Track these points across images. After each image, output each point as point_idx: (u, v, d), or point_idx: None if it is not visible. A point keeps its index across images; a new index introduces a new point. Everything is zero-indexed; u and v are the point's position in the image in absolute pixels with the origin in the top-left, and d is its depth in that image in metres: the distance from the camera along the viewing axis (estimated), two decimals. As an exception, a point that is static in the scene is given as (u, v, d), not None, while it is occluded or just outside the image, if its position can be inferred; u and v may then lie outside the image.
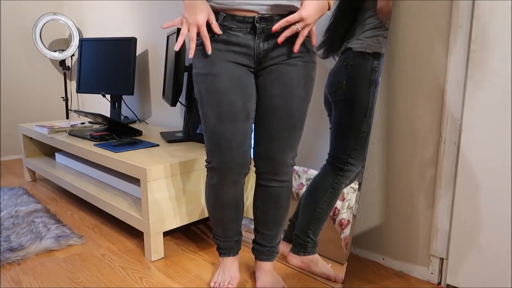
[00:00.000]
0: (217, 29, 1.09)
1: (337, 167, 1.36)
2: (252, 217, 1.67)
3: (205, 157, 1.48)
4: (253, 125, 1.22)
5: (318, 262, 1.40)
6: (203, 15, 1.07)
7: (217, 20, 1.10)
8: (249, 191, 1.71)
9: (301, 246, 1.44)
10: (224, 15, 1.10)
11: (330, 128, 1.43)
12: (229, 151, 1.14)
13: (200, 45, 1.14)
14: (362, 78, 1.32)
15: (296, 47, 1.08)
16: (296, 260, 1.45)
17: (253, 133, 1.22)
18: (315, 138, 1.49)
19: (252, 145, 1.23)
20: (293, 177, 1.51)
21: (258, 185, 1.27)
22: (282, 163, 1.20)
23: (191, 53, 1.10)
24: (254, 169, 1.26)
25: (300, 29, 1.05)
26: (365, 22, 1.34)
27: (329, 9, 1.09)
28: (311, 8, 1.04)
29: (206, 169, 1.26)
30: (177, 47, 1.10)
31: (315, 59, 1.18)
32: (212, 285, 1.33)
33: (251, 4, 1.07)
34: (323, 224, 1.40)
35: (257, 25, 1.09)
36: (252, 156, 1.23)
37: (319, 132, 1.48)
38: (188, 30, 1.09)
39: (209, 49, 1.10)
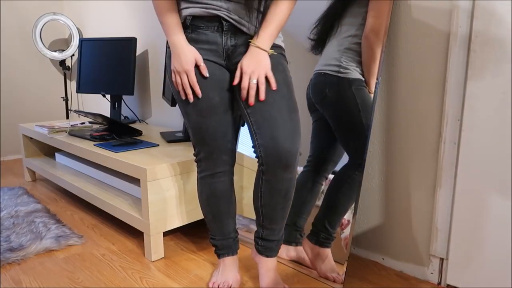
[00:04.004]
0: (205, 71, 1.16)
1: (358, 162, 1.36)
2: (250, 217, 1.67)
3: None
4: (248, 121, 1.20)
5: (325, 259, 1.39)
6: (190, 61, 1.14)
7: (186, 20, 1.16)
8: (246, 190, 1.71)
9: (315, 234, 1.44)
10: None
11: (312, 126, 1.50)
12: (215, 141, 1.22)
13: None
14: (340, 82, 1.39)
15: (262, 95, 1.14)
16: (307, 247, 1.45)
17: (253, 129, 1.18)
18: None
19: (257, 140, 1.18)
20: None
21: (265, 182, 1.19)
22: (292, 152, 1.14)
23: (189, 98, 1.17)
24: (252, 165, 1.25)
25: (255, 82, 1.13)
26: (340, 32, 1.43)
27: (269, 53, 1.16)
28: (250, 63, 1.13)
29: (195, 163, 1.30)
30: (179, 94, 1.19)
31: (283, 52, 1.23)
32: (211, 285, 1.32)
33: (218, 11, 1.13)
34: (341, 216, 1.38)
35: (224, 22, 1.14)
36: (254, 152, 1.21)
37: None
38: (180, 79, 1.17)
39: (199, 93, 1.16)
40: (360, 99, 1.36)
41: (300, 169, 1.51)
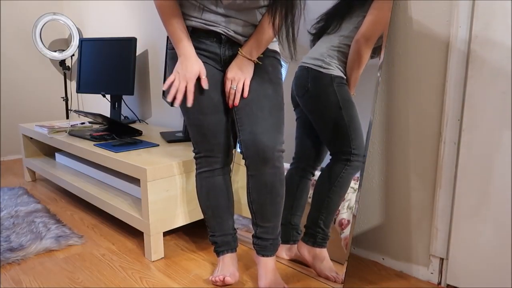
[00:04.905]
0: (205, 84, 1.21)
1: (343, 159, 1.38)
2: (250, 217, 1.67)
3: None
4: (234, 118, 1.26)
5: (323, 260, 1.39)
6: (195, 72, 1.19)
7: (187, 29, 1.21)
8: (245, 190, 1.70)
9: (311, 236, 1.44)
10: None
11: (296, 122, 1.52)
12: (215, 139, 1.27)
13: (172, 48, 1.25)
14: (323, 77, 1.42)
15: (236, 101, 1.22)
16: (304, 249, 1.45)
17: (237, 126, 1.25)
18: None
19: (240, 136, 1.24)
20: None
21: (250, 177, 1.26)
22: (270, 146, 1.19)
23: (176, 103, 1.20)
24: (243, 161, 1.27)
25: (234, 87, 1.21)
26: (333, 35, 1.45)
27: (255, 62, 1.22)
28: (232, 70, 1.21)
29: (194, 160, 1.35)
30: (168, 94, 1.22)
31: (276, 56, 1.28)
32: (210, 278, 1.36)
33: (217, 28, 1.20)
34: (334, 215, 1.39)
35: (223, 37, 1.21)
36: (239, 148, 1.25)
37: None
38: (179, 83, 1.21)
39: (190, 102, 1.20)
40: (341, 96, 1.38)
41: (287, 166, 1.52)
